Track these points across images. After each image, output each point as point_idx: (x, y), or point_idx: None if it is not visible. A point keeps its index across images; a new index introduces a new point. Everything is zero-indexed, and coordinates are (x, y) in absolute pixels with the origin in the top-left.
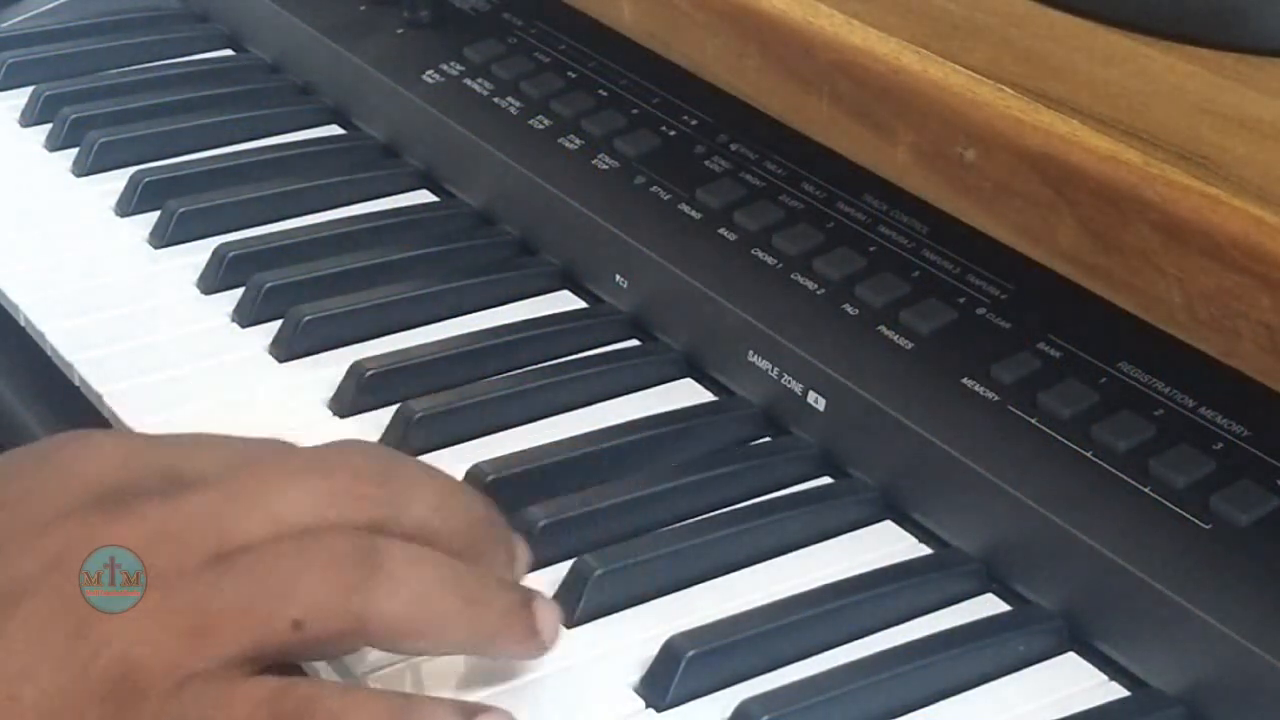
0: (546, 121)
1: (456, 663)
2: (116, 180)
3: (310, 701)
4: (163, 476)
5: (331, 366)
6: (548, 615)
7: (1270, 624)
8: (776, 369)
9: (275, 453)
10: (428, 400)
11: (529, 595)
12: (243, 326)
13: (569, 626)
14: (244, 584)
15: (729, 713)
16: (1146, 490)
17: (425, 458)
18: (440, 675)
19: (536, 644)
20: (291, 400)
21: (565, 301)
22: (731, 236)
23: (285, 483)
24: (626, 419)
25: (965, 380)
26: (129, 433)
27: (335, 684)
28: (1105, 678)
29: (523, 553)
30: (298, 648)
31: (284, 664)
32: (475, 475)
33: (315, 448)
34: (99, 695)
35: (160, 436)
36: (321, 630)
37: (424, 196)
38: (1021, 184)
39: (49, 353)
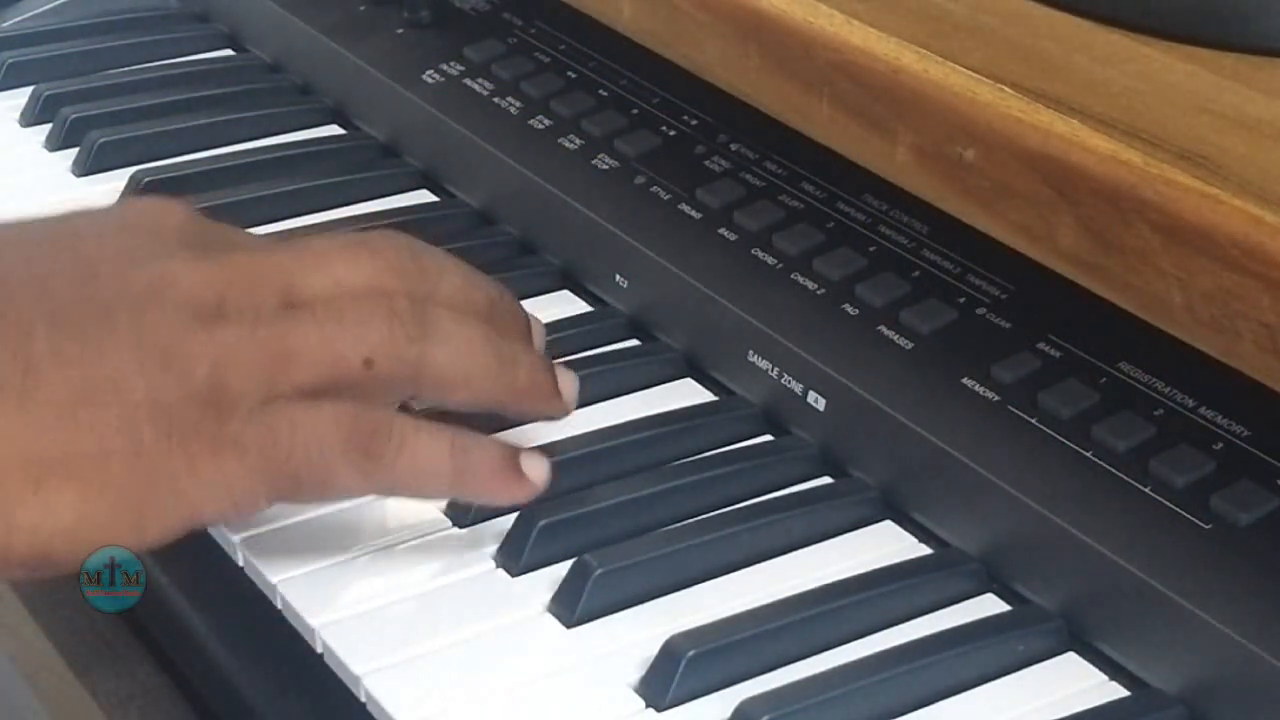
0: (547, 121)
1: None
2: (116, 180)
3: (385, 422)
4: (232, 241)
5: None
6: (568, 380)
7: (1270, 623)
8: (776, 369)
9: (328, 235)
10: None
11: (551, 363)
12: None
13: (569, 626)
14: (324, 324)
15: (729, 713)
16: (1146, 490)
17: None
18: (442, 672)
19: (559, 404)
20: None
21: (565, 301)
22: (732, 236)
23: (344, 252)
24: (627, 419)
25: (965, 380)
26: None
27: (405, 415)
28: (1105, 677)
29: (538, 326)
30: (367, 384)
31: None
32: None
33: (359, 233)
34: (198, 399)
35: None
36: (388, 370)
37: (424, 196)
38: (1021, 184)
39: None
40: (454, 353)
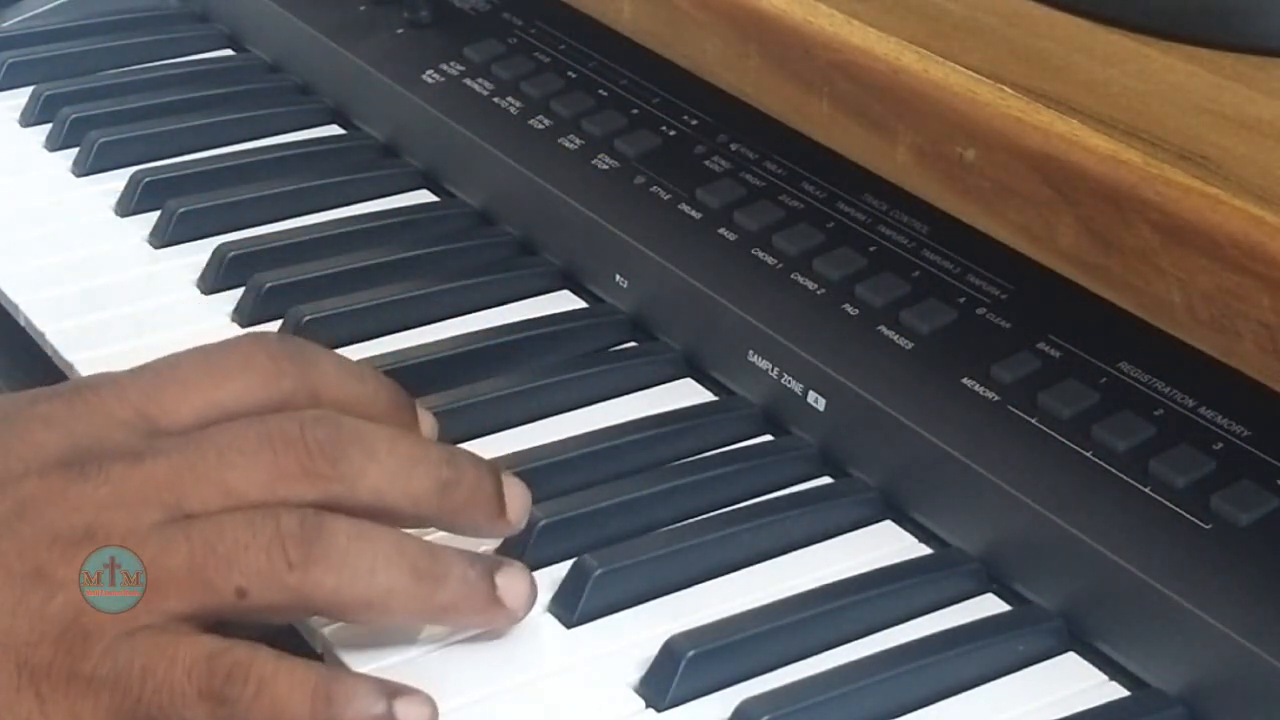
0: (546, 121)
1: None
2: (116, 180)
3: (244, 664)
4: (132, 428)
5: None
6: (515, 584)
7: (1270, 623)
8: (776, 369)
9: (242, 422)
10: (428, 400)
11: (493, 565)
12: (243, 326)
13: (569, 627)
14: (195, 548)
15: (729, 713)
16: (1146, 490)
17: None
18: (443, 672)
19: (502, 614)
20: None
21: (565, 301)
22: (731, 236)
23: (241, 458)
24: (627, 419)
25: (965, 380)
26: (97, 378)
27: (269, 651)
28: (1105, 677)
29: (428, 421)
30: (241, 613)
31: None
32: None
33: (274, 416)
34: (52, 635)
35: (129, 377)
36: (263, 600)
37: (424, 196)
38: (1021, 184)
39: (49, 353)
40: (349, 576)
